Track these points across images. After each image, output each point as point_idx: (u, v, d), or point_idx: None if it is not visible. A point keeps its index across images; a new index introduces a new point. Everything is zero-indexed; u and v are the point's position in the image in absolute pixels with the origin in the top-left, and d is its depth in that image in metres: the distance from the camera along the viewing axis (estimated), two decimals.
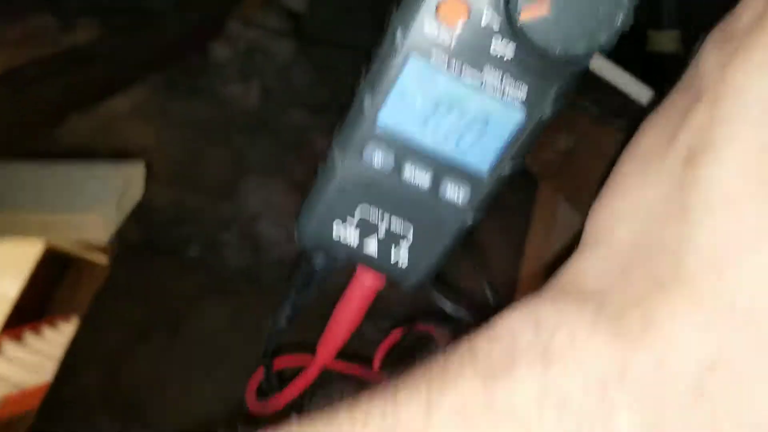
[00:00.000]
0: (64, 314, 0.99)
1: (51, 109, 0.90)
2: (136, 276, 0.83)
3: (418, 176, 0.30)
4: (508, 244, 0.83)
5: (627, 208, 0.23)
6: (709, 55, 0.23)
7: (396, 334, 0.43)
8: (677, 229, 0.21)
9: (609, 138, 0.62)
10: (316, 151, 1.19)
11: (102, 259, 0.86)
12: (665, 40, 0.78)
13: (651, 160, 0.23)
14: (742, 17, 0.22)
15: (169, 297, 0.83)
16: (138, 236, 0.92)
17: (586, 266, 0.23)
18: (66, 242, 0.74)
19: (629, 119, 0.68)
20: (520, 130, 0.28)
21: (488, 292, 0.49)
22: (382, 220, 0.31)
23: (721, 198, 0.20)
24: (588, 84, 0.29)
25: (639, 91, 0.56)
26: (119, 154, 1.04)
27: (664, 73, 0.84)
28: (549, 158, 0.68)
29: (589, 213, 0.25)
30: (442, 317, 0.41)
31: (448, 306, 0.40)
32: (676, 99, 0.23)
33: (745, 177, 0.20)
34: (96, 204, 0.55)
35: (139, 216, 0.95)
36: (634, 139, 0.24)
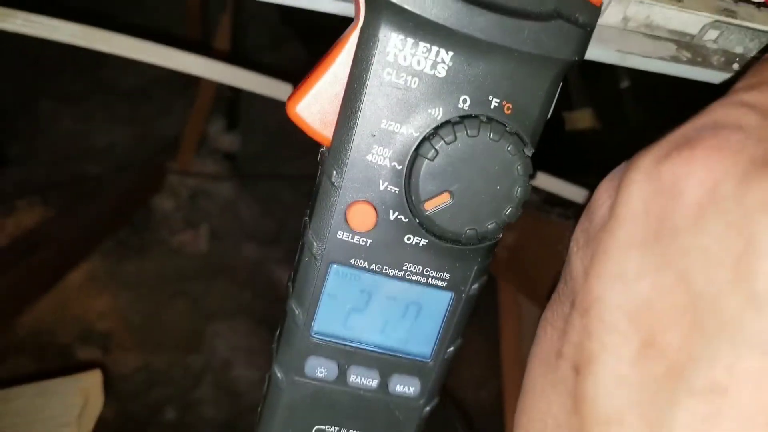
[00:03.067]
0: None
1: (6, 302, 0.88)
2: None
3: (364, 377, 0.29)
4: (483, 343, 0.84)
5: (538, 423, 0.23)
6: (575, 258, 0.23)
7: None
8: None
9: (551, 230, 0.63)
10: (274, 282, 1.19)
11: None
12: (580, 119, 0.81)
13: (547, 372, 0.23)
14: (595, 215, 0.23)
15: None
16: (111, 411, 0.88)
17: None
18: None
19: (566, 207, 0.71)
20: (452, 311, 0.28)
21: None
22: None
23: (608, 415, 0.20)
24: None
25: (570, 191, 0.58)
26: (81, 330, 1.01)
27: (584, 149, 0.87)
28: (500, 255, 0.69)
29: (515, 420, 0.25)
30: None
31: None
32: (559, 296, 0.24)
33: (624, 387, 0.20)
34: None
35: (109, 389, 0.92)
36: (535, 339, 0.25)
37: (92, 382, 0.60)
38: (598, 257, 0.21)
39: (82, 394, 0.58)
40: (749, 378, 0.17)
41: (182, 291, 1.01)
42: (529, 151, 0.25)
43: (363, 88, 0.24)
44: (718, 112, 0.21)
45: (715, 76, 0.30)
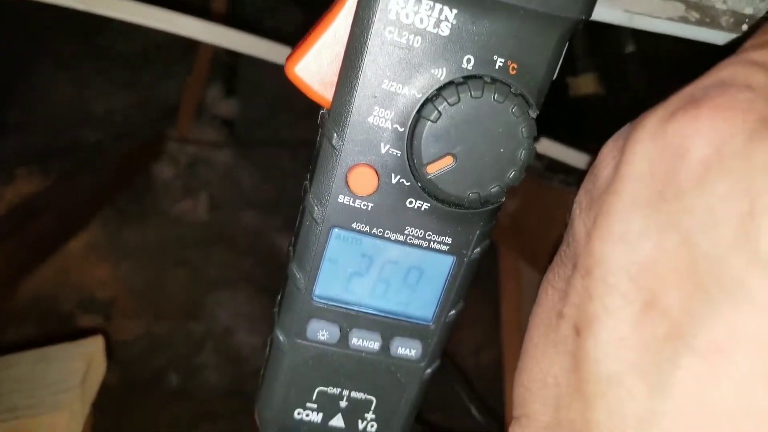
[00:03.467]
0: None
1: (7, 270, 0.88)
2: (120, 420, 0.80)
3: (366, 340, 0.29)
4: (484, 308, 0.84)
5: (538, 383, 0.23)
6: (578, 220, 0.23)
7: None
8: (580, 409, 0.21)
9: (553, 197, 0.63)
10: (274, 249, 1.19)
11: None
12: (584, 84, 0.81)
13: (548, 332, 0.23)
14: (599, 176, 0.23)
15: None
16: (114, 377, 0.89)
17: None
18: None
19: (568, 174, 0.70)
20: (454, 274, 0.28)
21: (474, 411, 0.48)
22: (342, 398, 0.31)
23: (608, 375, 0.20)
24: None
25: (573, 158, 0.57)
26: (82, 298, 1.02)
27: (588, 115, 0.87)
28: (502, 221, 0.69)
29: (515, 378, 0.25)
30: None
31: None
32: (561, 258, 0.24)
33: (625, 348, 0.20)
34: (59, 400, 0.53)
35: (111, 356, 0.92)
36: (536, 300, 0.25)
37: (94, 347, 0.60)
38: (602, 218, 0.21)
39: (84, 360, 0.59)
40: (750, 338, 0.17)
41: (183, 259, 1.01)
42: (533, 113, 0.24)
43: (364, 48, 0.23)
44: (725, 70, 0.20)
45: (724, 38, 0.30)
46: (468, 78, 0.23)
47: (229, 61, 1.25)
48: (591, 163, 0.23)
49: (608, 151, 0.22)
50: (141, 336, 0.93)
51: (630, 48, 0.75)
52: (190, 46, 1.18)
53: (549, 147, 0.54)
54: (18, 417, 0.54)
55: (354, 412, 0.31)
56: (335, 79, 0.25)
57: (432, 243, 0.27)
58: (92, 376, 0.59)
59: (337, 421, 0.32)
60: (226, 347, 0.92)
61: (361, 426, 0.32)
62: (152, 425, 0.83)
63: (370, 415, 0.32)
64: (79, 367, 0.57)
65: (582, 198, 0.22)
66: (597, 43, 0.82)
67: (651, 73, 0.77)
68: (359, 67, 0.24)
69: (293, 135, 1.22)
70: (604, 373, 0.20)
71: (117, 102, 1.22)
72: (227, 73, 1.26)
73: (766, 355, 0.17)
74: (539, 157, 0.64)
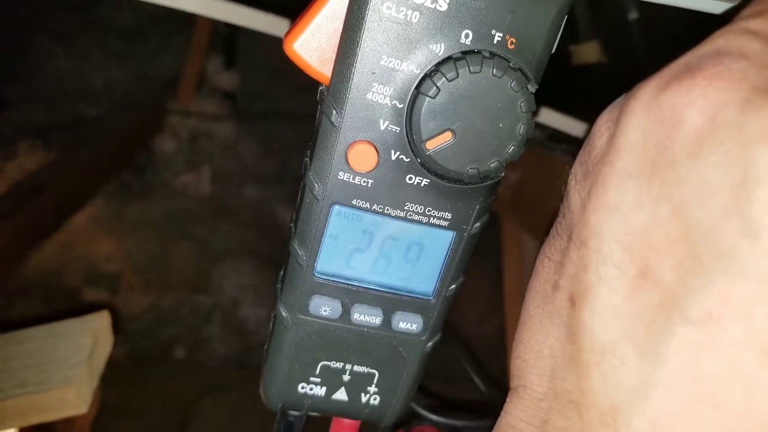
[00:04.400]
0: None
1: (11, 246, 0.89)
2: (128, 393, 0.81)
3: (368, 315, 0.30)
4: (485, 279, 0.84)
5: (534, 354, 0.24)
6: (573, 192, 0.23)
7: None
8: (574, 379, 0.21)
9: (555, 167, 0.63)
10: (278, 222, 1.19)
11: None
12: (586, 52, 0.80)
13: (544, 304, 0.23)
14: (593, 147, 0.23)
15: (166, 406, 0.81)
16: (121, 351, 0.90)
17: (514, 421, 0.24)
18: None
19: (571, 143, 0.70)
20: (454, 249, 0.28)
21: (477, 380, 0.49)
22: (345, 372, 0.31)
23: (602, 345, 0.21)
24: None
25: (576, 127, 0.57)
26: (88, 273, 1.03)
27: (590, 83, 0.86)
28: (503, 193, 0.68)
29: (512, 350, 0.26)
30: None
31: (433, 417, 0.40)
32: (557, 230, 0.24)
33: (619, 318, 0.20)
34: (67, 375, 0.53)
35: (118, 329, 0.94)
36: (533, 272, 0.25)
37: (101, 323, 0.61)
38: (596, 189, 0.21)
39: (91, 335, 0.59)
40: (743, 307, 0.18)
41: (187, 232, 1.01)
42: (532, 87, 0.24)
43: (362, 24, 0.23)
44: (720, 39, 0.20)
45: (722, 7, 0.29)
46: (466, 53, 0.23)
47: (228, 33, 1.24)
48: (587, 134, 0.23)
49: (603, 122, 0.22)
50: (147, 309, 0.94)
51: (633, 15, 0.74)
52: (188, 17, 1.17)
53: (551, 117, 0.54)
54: (28, 392, 0.55)
55: (357, 385, 0.32)
56: (333, 55, 0.25)
57: (432, 218, 0.27)
58: (99, 350, 0.60)
59: (341, 394, 0.32)
60: (232, 319, 0.93)
61: (363, 399, 0.32)
62: (160, 397, 0.85)
63: (372, 389, 0.32)
64: (87, 342, 0.58)
65: (577, 169, 0.23)
66: (599, 10, 0.81)
67: (654, 41, 0.76)
68: (357, 43, 0.23)
69: (295, 108, 1.21)
70: (599, 342, 0.20)
71: (116, 75, 1.21)
72: (226, 45, 1.24)
73: (759, 324, 0.18)
74: (541, 127, 0.63)
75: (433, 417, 0.42)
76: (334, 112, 0.25)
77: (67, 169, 1.00)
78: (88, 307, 0.71)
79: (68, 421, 0.87)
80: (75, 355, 0.57)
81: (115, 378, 0.84)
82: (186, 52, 1.21)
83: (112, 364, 0.82)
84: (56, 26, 1.20)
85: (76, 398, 0.56)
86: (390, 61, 0.24)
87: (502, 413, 0.24)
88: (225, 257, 0.99)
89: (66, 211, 1.02)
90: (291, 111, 1.21)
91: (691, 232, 0.18)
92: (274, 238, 1.03)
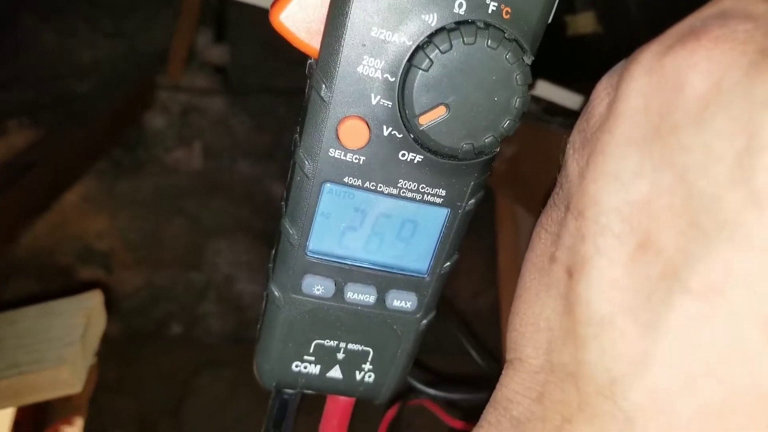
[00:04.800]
0: (67, 419, 0.96)
1: (1, 225, 0.88)
2: (124, 370, 0.81)
3: (361, 294, 0.29)
4: (480, 255, 0.84)
5: (530, 327, 0.23)
6: (571, 160, 0.22)
7: (393, 411, 0.43)
8: (572, 352, 0.21)
9: (551, 141, 0.62)
10: (270, 197, 1.18)
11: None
12: (582, 23, 0.78)
13: (541, 276, 0.23)
14: (592, 114, 0.22)
15: (163, 383, 0.81)
16: (116, 328, 0.90)
17: (510, 393, 0.23)
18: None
19: (567, 116, 0.69)
20: (448, 227, 0.28)
21: (474, 353, 0.49)
22: (339, 350, 0.31)
23: (600, 317, 0.20)
24: None
25: (567, 98, 0.56)
26: (81, 250, 1.02)
27: (587, 55, 0.84)
28: (498, 168, 0.68)
29: (508, 323, 0.25)
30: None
31: (430, 391, 0.40)
32: (554, 200, 0.23)
33: (618, 290, 0.19)
34: (61, 354, 0.53)
35: (113, 307, 0.93)
36: (529, 244, 0.25)
37: (93, 302, 0.61)
38: (595, 157, 0.20)
39: (84, 314, 0.59)
40: (747, 278, 0.17)
41: (179, 209, 1.01)
42: (528, 59, 0.23)
43: None
44: (726, 1, 0.19)
45: None
46: (460, 23, 0.22)
47: (217, 6, 1.21)
48: (585, 102, 0.22)
49: (602, 87, 0.21)
50: (142, 286, 0.94)
51: None
52: None
53: (547, 89, 0.53)
54: (22, 372, 0.55)
55: (351, 363, 0.32)
56: (322, 26, 0.24)
57: (426, 195, 0.27)
58: (92, 329, 0.60)
59: (335, 372, 0.32)
60: (227, 295, 0.93)
61: (358, 377, 0.32)
62: (157, 374, 0.85)
63: (367, 366, 0.32)
64: (80, 321, 0.58)
65: (575, 137, 0.22)
66: None
67: (652, 12, 0.74)
68: (346, 13, 0.23)
69: (286, 82, 1.19)
70: (597, 315, 0.20)
71: (104, 51, 1.19)
72: (216, 18, 1.22)
73: (763, 295, 0.17)
74: (537, 99, 0.62)
75: (430, 391, 0.42)
76: (324, 86, 0.24)
77: (56, 146, 0.98)
78: (82, 285, 0.71)
79: (66, 399, 0.88)
80: (68, 335, 0.57)
81: (112, 355, 0.84)
82: (175, 25, 1.19)
83: (107, 341, 0.82)
84: (42, 2, 1.17)
85: (70, 377, 0.55)
86: (381, 33, 0.23)
87: (498, 386, 0.24)
88: (218, 233, 0.98)
89: (56, 189, 1.01)
90: (283, 85, 1.19)
91: (694, 200, 0.18)
92: (267, 214, 1.03)
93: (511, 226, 0.68)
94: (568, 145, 0.22)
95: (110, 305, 0.75)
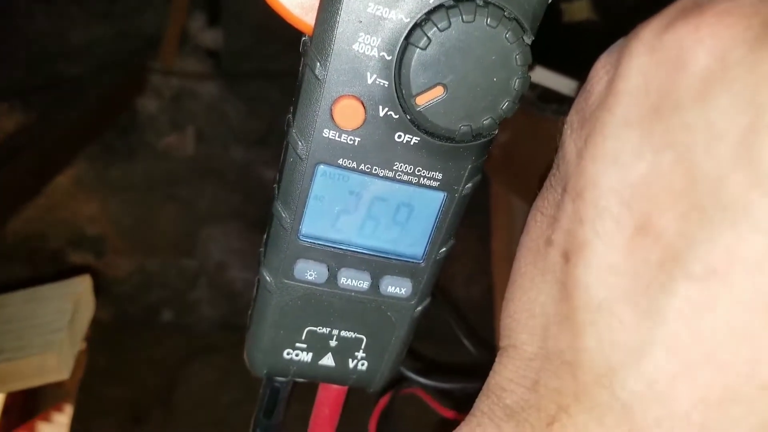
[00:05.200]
0: (57, 405, 0.95)
1: None
2: (115, 356, 0.80)
3: (355, 280, 0.28)
4: (474, 242, 0.83)
5: (525, 313, 0.22)
6: (569, 141, 0.21)
7: (384, 399, 0.43)
8: (568, 339, 0.20)
9: (545, 128, 0.62)
10: (263, 183, 1.17)
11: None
12: (578, 10, 0.78)
13: (536, 260, 0.22)
14: (591, 93, 0.21)
15: (154, 369, 0.81)
16: (107, 314, 0.89)
17: (503, 381, 0.23)
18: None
19: (561, 104, 0.68)
20: (444, 211, 0.27)
21: (466, 342, 0.48)
22: (332, 337, 0.30)
23: (598, 303, 0.19)
24: None
25: (563, 84, 0.55)
26: (72, 235, 1.01)
27: (582, 42, 0.84)
28: (493, 154, 0.67)
29: (502, 309, 0.24)
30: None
31: (421, 380, 0.40)
32: (551, 182, 0.22)
33: (617, 275, 0.19)
34: (47, 341, 0.52)
35: (104, 292, 0.92)
36: (525, 228, 0.24)
37: (82, 287, 0.60)
38: (593, 138, 0.20)
39: (72, 300, 0.58)
40: (750, 262, 0.16)
41: (172, 194, 1.00)
42: (528, 39, 0.23)
43: None
44: None
45: None
46: (459, 1, 0.22)
47: None
48: (582, 84, 0.22)
49: (601, 65, 0.21)
50: (133, 272, 0.93)
51: None
52: None
53: (541, 76, 0.52)
54: (8, 359, 0.54)
55: (344, 351, 0.31)
56: (317, 2, 0.23)
57: (422, 179, 0.26)
58: (80, 315, 0.59)
59: (327, 360, 0.31)
60: (219, 282, 0.92)
61: (351, 365, 0.31)
62: (148, 360, 0.84)
63: (360, 354, 0.31)
64: (67, 307, 0.57)
65: (573, 117, 0.21)
66: None
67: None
68: None
69: (280, 66, 1.18)
70: (595, 300, 0.19)
71: (96, 33, 1.17)
72: (209, 2, 1.21)
73: (766, 280, 0.16)
74: (531, 86, 0.62)
75: (422, 380, 0.41)
76: (318, 64, 0.23)
77: (47, 130, 0.97)
78: (73, 271, 0.70)
79: (56, 385, 0.87)
80: (55, 321, 0.56)
81: (102, 341, 0.83)
82: (168, 9, 1.17)
83: (98, 327, 0.81)
84: None
85: (57, 364, 0.55)
86: (377, 9, 0.22)
87: (491, 373, 0.23)
88: (211, 219, 0.97)
89: (47, 173, 0.99)
90: (277, 69, 1.18)
91: (696, 182, 0.17)
92: (260, 200, 1.02)
93: (505, 211, 0.68)
94: (565, 125, 0.21)
95: (101, 291, 0.74)
